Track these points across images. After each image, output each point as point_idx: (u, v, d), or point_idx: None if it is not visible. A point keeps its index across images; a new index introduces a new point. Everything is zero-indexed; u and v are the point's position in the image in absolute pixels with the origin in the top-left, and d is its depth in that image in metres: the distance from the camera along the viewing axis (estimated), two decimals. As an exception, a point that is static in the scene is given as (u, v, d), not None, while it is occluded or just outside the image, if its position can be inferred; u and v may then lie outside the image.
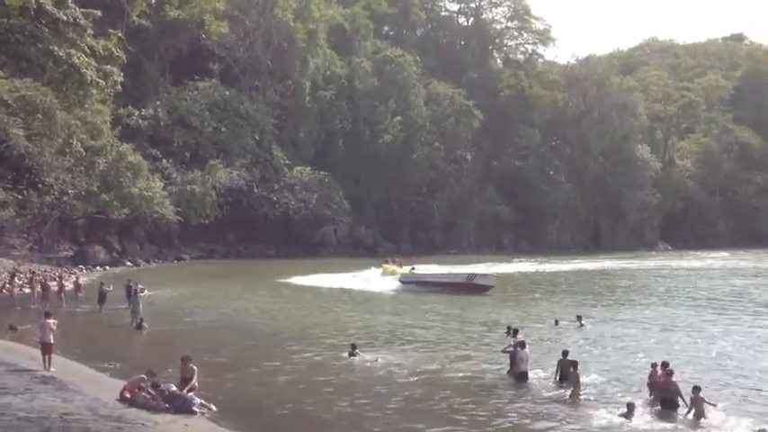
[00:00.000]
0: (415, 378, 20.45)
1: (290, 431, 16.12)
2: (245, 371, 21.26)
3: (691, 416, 16.68)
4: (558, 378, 19.75)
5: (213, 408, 16.68)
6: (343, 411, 17.22)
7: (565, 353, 20.08)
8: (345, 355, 23.07)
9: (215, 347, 24.88)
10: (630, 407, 16.71)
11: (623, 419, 16.45)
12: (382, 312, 36.11)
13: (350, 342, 24.11)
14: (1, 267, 46.52)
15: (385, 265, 57.49)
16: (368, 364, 22.21)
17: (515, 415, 17.14)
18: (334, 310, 35.87)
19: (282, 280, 51.67)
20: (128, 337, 28.03)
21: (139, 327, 28.74)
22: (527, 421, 16.71)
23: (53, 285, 38.12)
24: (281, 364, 22.15)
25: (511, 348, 20.93)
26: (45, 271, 49.17)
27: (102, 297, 34.28)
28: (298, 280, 51.08)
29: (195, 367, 17.80)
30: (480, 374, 21.16)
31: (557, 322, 30.39)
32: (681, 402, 17.28)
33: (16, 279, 38.69)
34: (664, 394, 17.61)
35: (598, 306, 38.12)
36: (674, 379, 17.85)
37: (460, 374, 21.16)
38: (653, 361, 19.16)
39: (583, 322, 30.02)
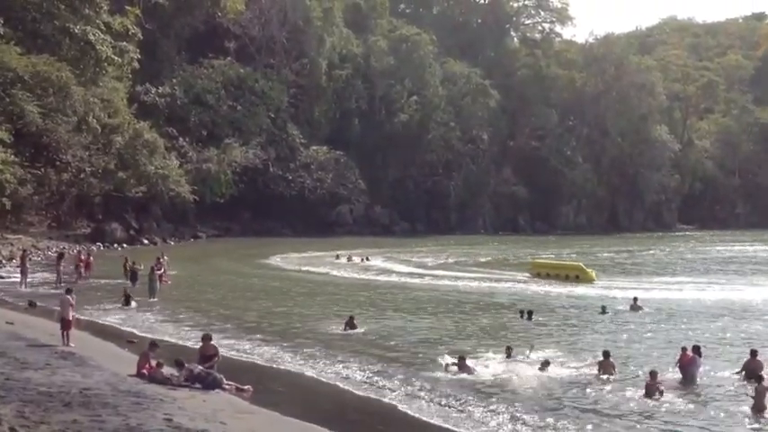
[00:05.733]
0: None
1: (305, 397, 16.11)
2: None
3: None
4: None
5: (248, 388, 16.76)
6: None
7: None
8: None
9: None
10: (653, 374, 16.92)
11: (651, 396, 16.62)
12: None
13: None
14: (20, 245, 46.77)
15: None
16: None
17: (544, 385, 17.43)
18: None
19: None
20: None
21: (127, 303, 29.11)
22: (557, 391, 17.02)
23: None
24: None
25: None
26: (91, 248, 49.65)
27: (133, 275, 34.58)
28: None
29: (216, 345, 17.99)
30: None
31: (604, 309, 29.07)
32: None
33: (62, 261, 38.58)
34: (751, 372, 17.83)
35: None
36: (699, 359, 18.46)
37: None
38: (683, 345, 19.26)
39: (640, 305, 29.63)
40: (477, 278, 42.29)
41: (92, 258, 39.72)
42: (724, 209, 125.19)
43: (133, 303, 29.20)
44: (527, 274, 43.64)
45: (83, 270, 37.17)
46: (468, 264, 52.52)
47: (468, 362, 18.88)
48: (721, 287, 38.68)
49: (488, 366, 19.31)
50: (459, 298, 34.07)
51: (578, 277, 40.58)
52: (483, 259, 56.33)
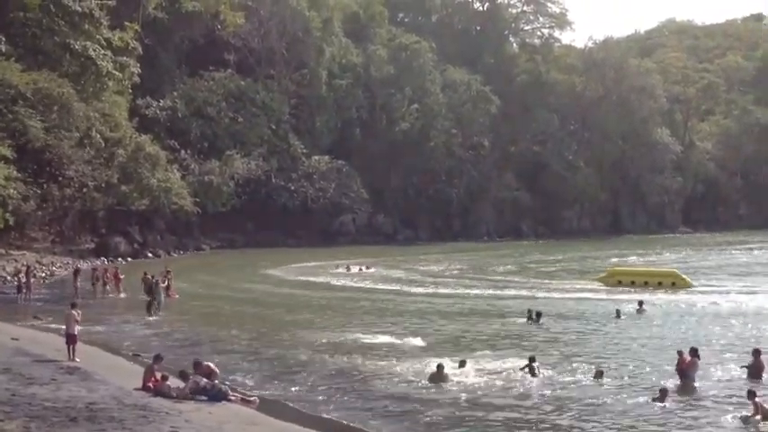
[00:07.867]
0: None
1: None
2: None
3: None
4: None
5: (255, 399, 16.83)
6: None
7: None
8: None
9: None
10: (663, 392, 16.61)
11: (656, 403, 16.39)
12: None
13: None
14: (24, 261, 46.81)
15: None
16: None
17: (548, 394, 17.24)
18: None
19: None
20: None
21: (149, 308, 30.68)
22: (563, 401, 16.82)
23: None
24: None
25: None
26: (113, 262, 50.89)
27: (149, 289, 34.55)
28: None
29: (210, 364, 17.93)
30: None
31: (618, 313, 29.01)
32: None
33: (78, 276, 38.72)
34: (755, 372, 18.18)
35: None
36: (698, 361, 18.43)
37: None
38: (679, 349, 19.06)
39: (645, 307, 30.02)
40: (548, 289, 39.64)
41: (109, 273, 39.92)
42: (727, 210, 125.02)
43: (155, 316, 29.95)
44: (598, 284, 41.00)
45: (114, 285, 37.77)
46: (489, 273, 50.40)
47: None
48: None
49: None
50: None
51: (674, 284, 39.15)
52: (504, 268, 54.33)
